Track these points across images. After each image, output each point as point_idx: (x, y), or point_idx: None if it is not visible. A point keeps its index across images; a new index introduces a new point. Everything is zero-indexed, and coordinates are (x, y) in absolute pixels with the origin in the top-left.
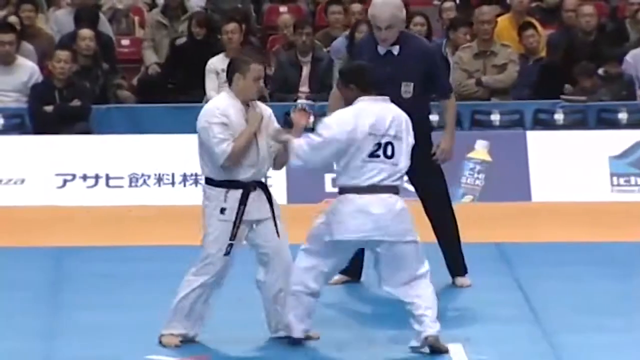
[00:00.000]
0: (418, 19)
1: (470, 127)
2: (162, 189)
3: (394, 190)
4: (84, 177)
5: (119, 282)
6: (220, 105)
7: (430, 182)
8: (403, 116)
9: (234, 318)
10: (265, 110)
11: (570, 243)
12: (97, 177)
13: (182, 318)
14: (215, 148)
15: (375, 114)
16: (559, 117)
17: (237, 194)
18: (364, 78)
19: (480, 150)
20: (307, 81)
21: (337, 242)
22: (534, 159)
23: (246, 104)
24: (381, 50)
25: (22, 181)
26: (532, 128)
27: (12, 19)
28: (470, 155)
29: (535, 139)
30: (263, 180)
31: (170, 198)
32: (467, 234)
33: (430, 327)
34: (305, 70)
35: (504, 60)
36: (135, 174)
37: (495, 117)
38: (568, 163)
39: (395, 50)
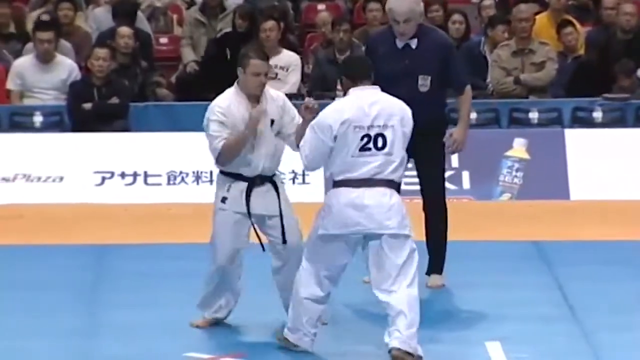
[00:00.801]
0: (456, 17)
1: (509, 125)
2: (201, 187)
3: (389, 184)
4: (123, 175)
5: (158, 280)
6: (222, 103)
7: (431, 177)
8: (396, 105)
9: (269, 317)
10: (277, 99)
11: (609, 242)
12: (135, 174)
13: (208, 303)
14: (209, 144)
15: (357, 106)
16: (597, 115)
17: (241, 185)
18: (352, 69)
19: (519, 148)
20: None
21: (330, 237)
22: (572, 157)
23: (255, 99)
24: (399, 43)
25: (61, 179)
26: (571, 126)
27: (50, 17)
28: (509, 153)
29: (574, 137)
30: (271, 175)
31: (209, 196)
32: (505, 232)
33: (395, 338)
34: None
35: (543, 58)
36: (174, 172)
37: (534, 115)
38: (607, 161)
39: (414, 43)
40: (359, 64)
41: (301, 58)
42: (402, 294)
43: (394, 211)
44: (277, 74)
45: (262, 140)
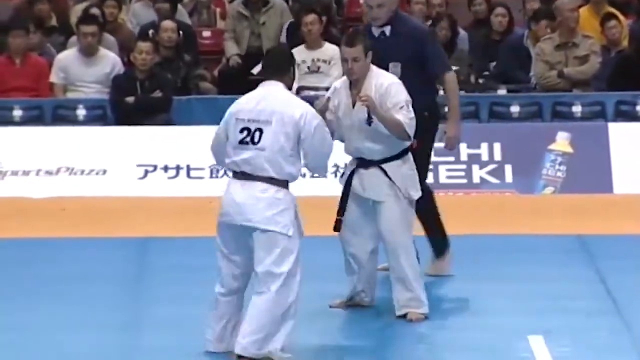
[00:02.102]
0: (500, 10)
1: (552, 119)
2: None
3: (268, 180)
4: (165, 168)
5: (200, 273)
6: (337, 83)
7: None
8: (282, 104)
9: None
10: (380, 87)
11: None
12: (178, 168)
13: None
14: None
15: (247, 99)
16: None
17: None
18: (263, 62)
19: (562, 141)
20: None
21: (218, 225)
22: (615, 151)
23: (354, 83)
24: (375, 32)
25: (104, 172)
26: (614, 120)
27: (94, 10)
28: (552, 146)
29: (617, 130)
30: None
31: None
32: (548, 225)
33: (237, 343)
34: None
35: (586, 51)
36: (216, 165)
37: (577, 109)
38: None
39: (387, 30)
40: (265, 59)
41: None
42: (261, 298)
43: (264, 206)
44: (319, 67)
45: (355, 124)
